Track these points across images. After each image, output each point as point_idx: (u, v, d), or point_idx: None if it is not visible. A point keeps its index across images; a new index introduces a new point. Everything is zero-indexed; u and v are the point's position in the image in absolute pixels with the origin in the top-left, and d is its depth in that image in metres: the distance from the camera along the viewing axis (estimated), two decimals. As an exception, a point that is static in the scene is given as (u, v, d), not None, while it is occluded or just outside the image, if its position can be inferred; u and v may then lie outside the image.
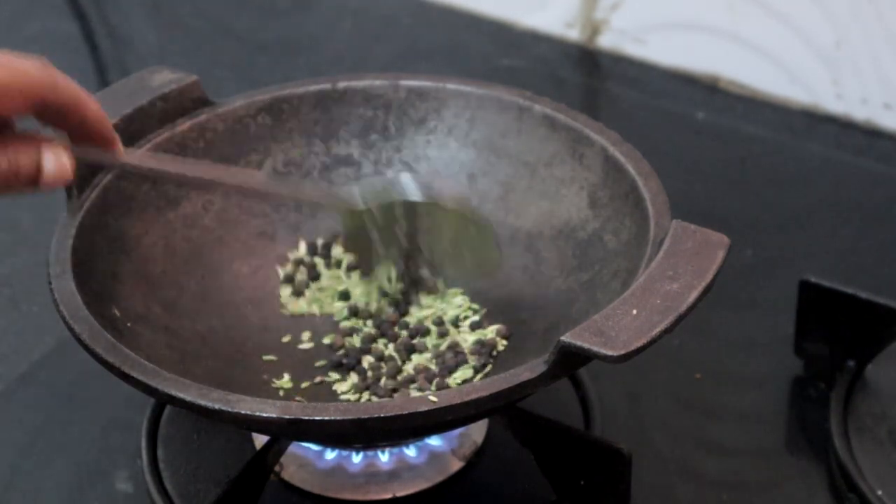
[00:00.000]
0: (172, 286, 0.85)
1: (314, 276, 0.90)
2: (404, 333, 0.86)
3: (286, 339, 0.88)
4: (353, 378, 0.84)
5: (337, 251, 0.91)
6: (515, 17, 1.26)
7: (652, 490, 0.85)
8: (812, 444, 0.88)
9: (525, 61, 1.23)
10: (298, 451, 0.84)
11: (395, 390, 0.83)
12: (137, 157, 0.81)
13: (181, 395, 0.72)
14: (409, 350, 0.85)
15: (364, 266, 0.88)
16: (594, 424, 0.87)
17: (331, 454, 0.84)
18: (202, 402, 0.71)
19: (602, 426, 0.87)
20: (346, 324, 0.88)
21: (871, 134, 1.13)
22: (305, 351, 0.87)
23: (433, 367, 0.84)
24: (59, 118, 0.72)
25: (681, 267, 0.74)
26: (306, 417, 0.71)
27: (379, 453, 0.84)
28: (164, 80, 0.90)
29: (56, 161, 0.72)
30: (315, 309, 0.89)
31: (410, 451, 0.84)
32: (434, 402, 0.71)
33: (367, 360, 0.85)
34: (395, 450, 0.84)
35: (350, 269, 0.90)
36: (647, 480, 0.85)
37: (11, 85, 0.69)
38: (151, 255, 0.86)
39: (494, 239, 0.85)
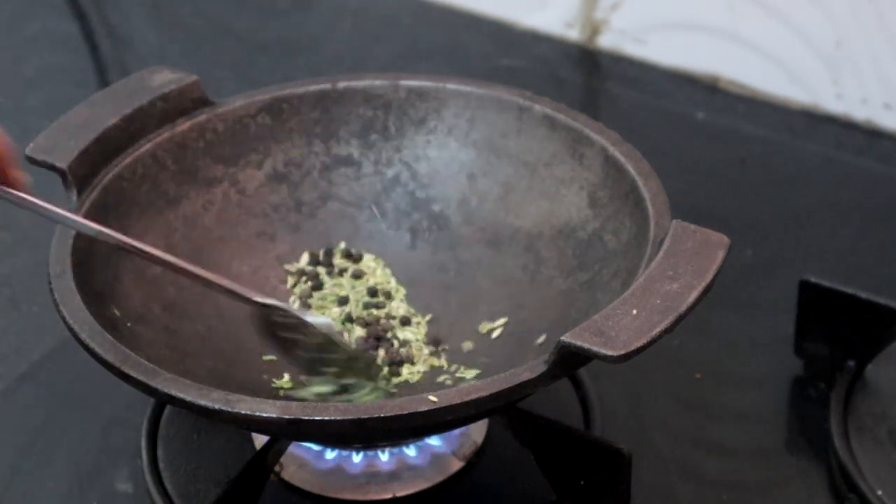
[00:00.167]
0: (172, 286, 0.85)
1: (317, 285, 0.90)
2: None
3: (286, 339, 0.88)
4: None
5: (338, 260, 0.91)
6: (515, 17, 1.26)
7: (652, 490, 0.85)
8: (812, 444, 0.88)
9: (525, 61, 1.23)
10: (298, 451, 0.84)
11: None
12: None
13: (181, 395, 0.72)
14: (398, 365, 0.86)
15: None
16: (594, 424, 0.87)
17: (331, 454, 0.84)
18: (202, 402, 0.71)
19: (602, 426, 0.87)
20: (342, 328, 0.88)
21: (871, 134, 1.13)
22: (305, 351, 0.87)
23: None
24: None
25: (681, 267, 0.74)
26: (306, 417, 0.71)
27: (379, 453, 0.84)
28: (164, 80, 0.90)
29: None
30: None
31: (410, 451, 0.84)
32: (434, 401, 0.71)
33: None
34: (396, 450, 0.84)
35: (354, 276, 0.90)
36: (647, 480, 0.85)
37: None
38: (151, 255, 0.86)
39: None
